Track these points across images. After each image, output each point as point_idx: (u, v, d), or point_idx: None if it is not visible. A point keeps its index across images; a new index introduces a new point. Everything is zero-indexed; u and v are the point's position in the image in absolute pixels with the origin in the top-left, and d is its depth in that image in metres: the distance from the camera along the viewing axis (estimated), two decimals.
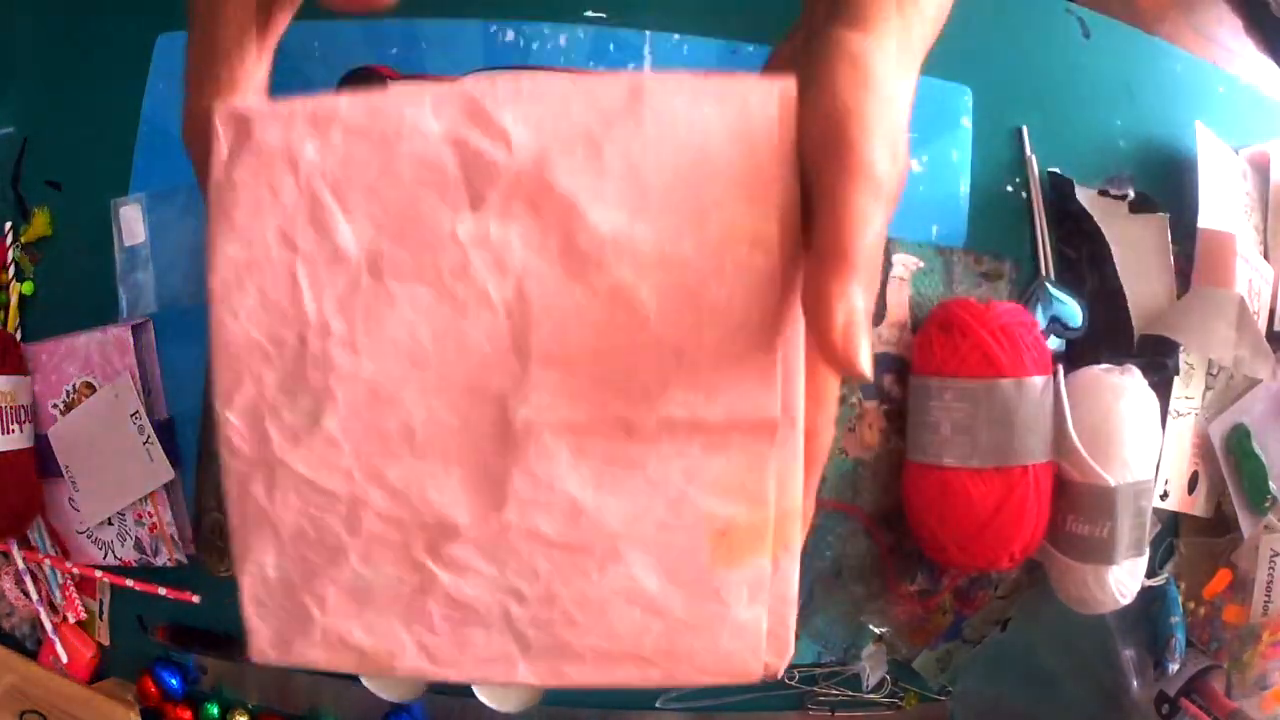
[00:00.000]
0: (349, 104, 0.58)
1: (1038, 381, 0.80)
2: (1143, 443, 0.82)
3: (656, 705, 0.89)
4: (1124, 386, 0.82)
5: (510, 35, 0.84)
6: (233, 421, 0.58)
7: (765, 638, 0.60)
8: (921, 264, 0.88)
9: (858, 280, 0.51)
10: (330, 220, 0.58)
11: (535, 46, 0.85)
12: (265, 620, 0.61)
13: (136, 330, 0.88)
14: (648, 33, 0.84)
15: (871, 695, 0.92)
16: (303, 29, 0.84)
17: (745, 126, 0.57)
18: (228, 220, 0.59)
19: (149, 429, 0.86)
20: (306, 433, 0.58)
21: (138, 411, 0.86)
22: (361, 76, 0.86)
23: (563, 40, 0.84)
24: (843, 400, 0.86)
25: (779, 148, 0.58)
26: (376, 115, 0.58)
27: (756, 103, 0.57)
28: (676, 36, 0.85)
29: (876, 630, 0.90)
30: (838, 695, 0.91)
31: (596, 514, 0.58)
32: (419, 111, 0.58)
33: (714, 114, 0.58)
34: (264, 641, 0.61)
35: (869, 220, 0.52)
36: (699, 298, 0.56)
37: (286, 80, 0.86)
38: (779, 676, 0.62)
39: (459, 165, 0.58)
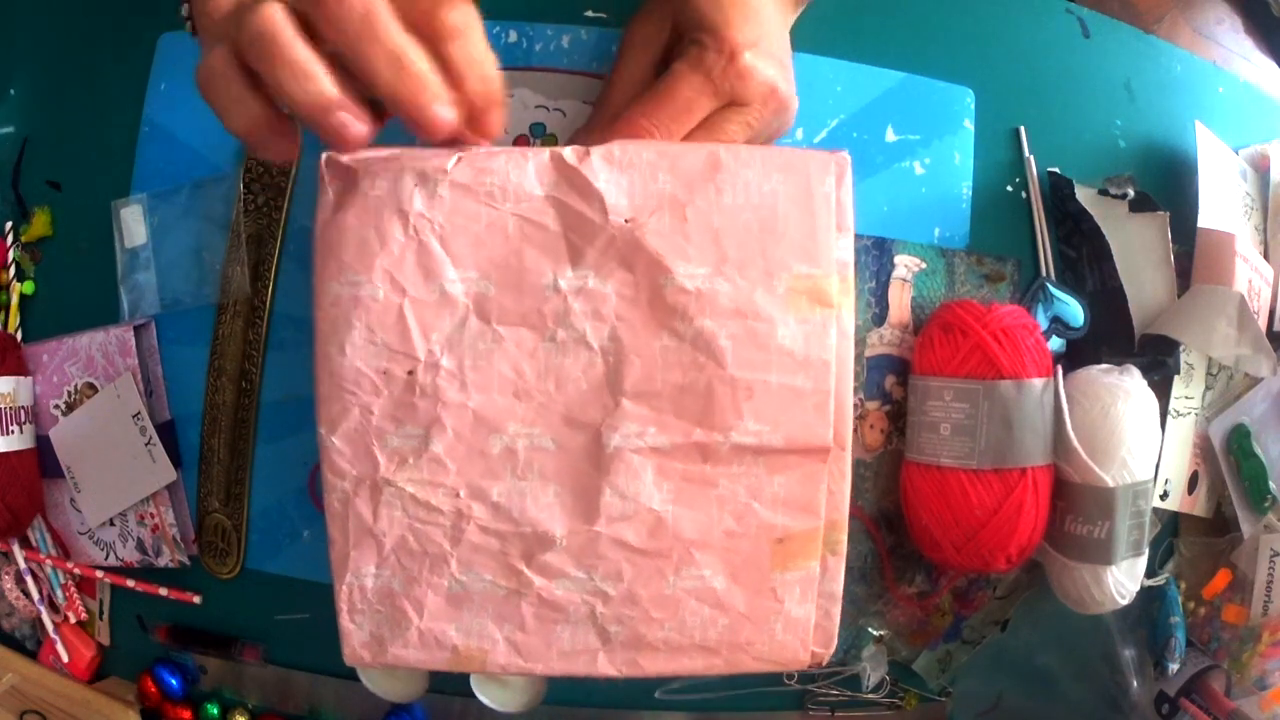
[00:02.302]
0: (455, 164, 0.64)
1: (1038, 383, 0.80)
2: (1141, 444, 0.82)
3: (656, 696, 0.89)
4: (1122, 387, 0.82)
5: (513, 36, 0.84)
6: (337, 445, 0.66)
7: (813, 630, 0.70)
8: (924, 265, 0.88)
9: None
10: (438, 266, 0.65)
11: (538, 48, 0.84)
12: (360, 625, 0.69)
13: (139, 331, 0.88)
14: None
15: (871, 695, 0.92)
16: None
17: (807, 194, 0.66)
18: (336, 261, 0.65)
19: (151, 430, 0.86)
20: (415, 455, 0.66)
21: (140, 412, 0.86)
22: None
23: (565, 41, 0.84)
24: None
25: (837, 211, 0.67)
26: (482, 174, 0.64)
27: (817, 172, 0.66)
28: None
29: (876, 632, 0.90)
30: (837, 695, 0.91)
31: (674, 525, 0.67)
32: (523, 174, 0.64)
33: (780, 183, 0.66)
34: (357, 644, 0.69)
35: None
36: (768, 344, 0.65)
37: None
38: (824, 664, 0.71)
39: (559, 224, 0.65)
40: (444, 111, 0.59)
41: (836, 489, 0.68)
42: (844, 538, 0.69)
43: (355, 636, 0.69)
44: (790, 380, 0.65)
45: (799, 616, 0.69)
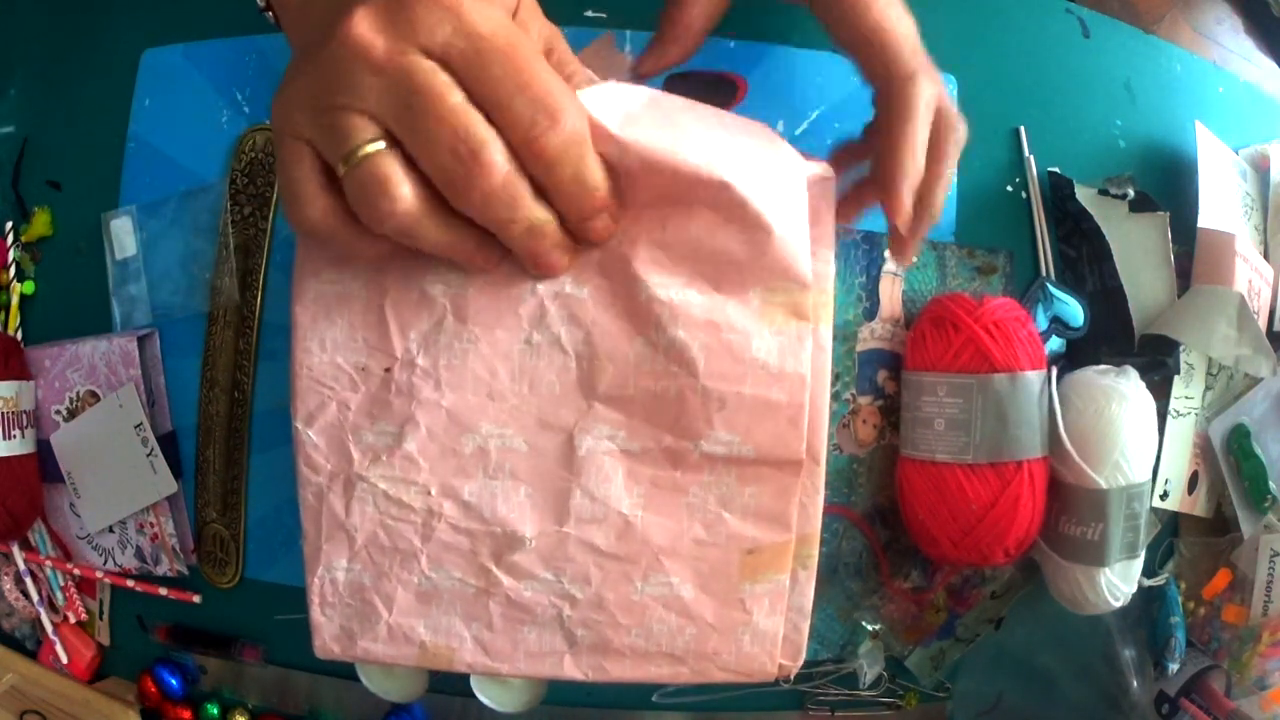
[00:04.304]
0: None
1: (1032, 376, 0.80)
2: (1136, 446, 0.82)
3: (653, 700, 0.90)
4: (1118, 389, 0.82)
5: None
6: (313, 439, 0.66)
7: (781, 643, 0.69)
8: (914, 258, 0.88)
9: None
10: (419, 267, 0.64)
11: None
12: (330, 618, 0.68)
13: (142, 341, 0.88)
14: (628, 32, 0.84)
15: (871, 693, 0.92)
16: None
17: (789, 206, 0.64)
18: (316, 261, 0.65)
19: (153, 441, 0.86)
20: (388, 452, 0.65)
21: (141, 423, 0.86)
22: None
23: None
24: (836, 396, 0.86)
25: (814, 228, 0.65)
26: None
27: (800, 185, 0.65)
28: None
29: (870, 626, 0.90)
30: (836, 695, 0.92)
31: (643, 530, 0.66)
32: None
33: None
34: (328, 637, 0.69)
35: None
36: (742, 355, 0.64)
37: (273, 88, 0.86)
38: (792, 678, 0.70)
39: None
40: (562, 259, 0.61)
41: (809, 503, 0.67)
42: (815, 552, 0.68)
43: (326, 629, 0.68)
44: (764, 392, 0.64)
45: (767, 629, 0.68)
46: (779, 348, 0.64)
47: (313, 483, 0.67)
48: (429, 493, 0.66)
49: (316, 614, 0.68)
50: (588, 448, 0.65)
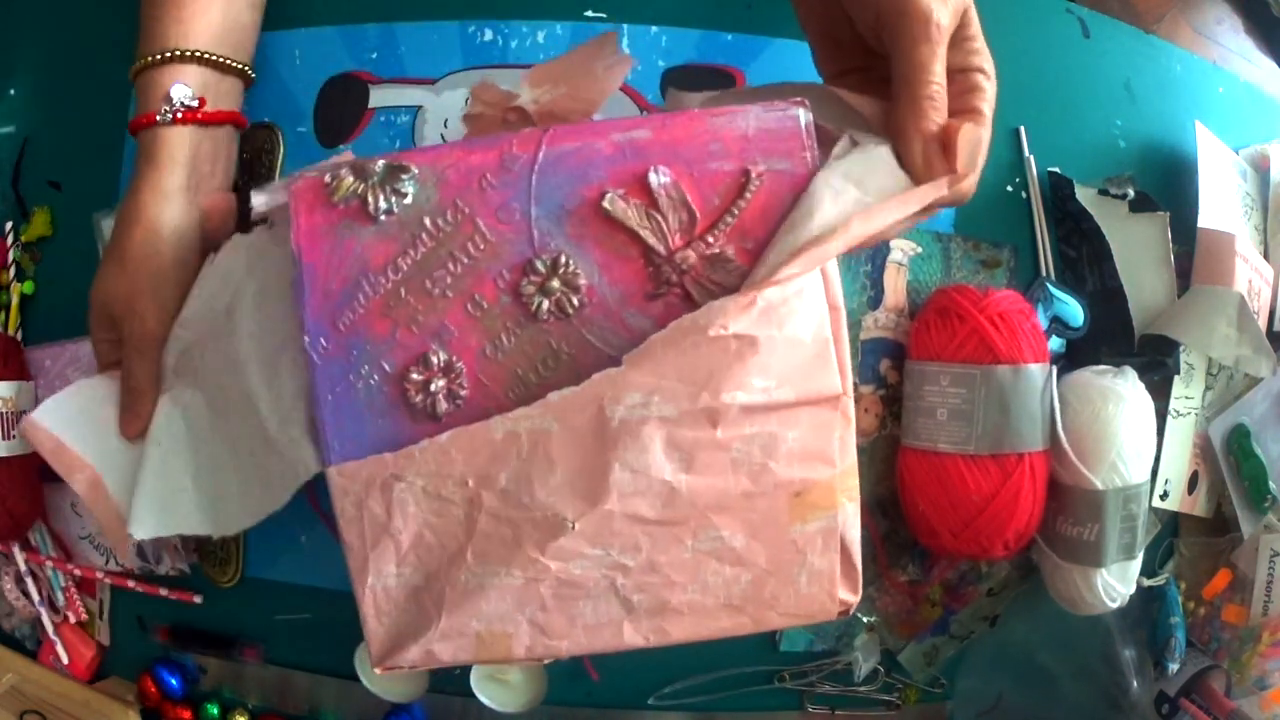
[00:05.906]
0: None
1: (1035, 368, 0.81)
2: (1134, 447, 0.82)
3: (650, 701, 0.90)
4: (1115, 390, 0.82)
5: (488, 34, 0.85)
6: None
7: (839, 580, 0.68)
8: (919, 249, 0.88)
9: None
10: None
11: (514, 45, 0.85)
12: (385, 626, 0.67)
13: None
14: (625, 25, 0.84)
15: (868, 690, 0.92)
16: (282, 37, 0.85)
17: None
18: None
19: None
20: (420, 449, 0.64)
21: None
22: (341, 84, 0.86)
23: (541, 37, 0.85)
24: None
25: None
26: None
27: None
28: (654, 28, 0.85)
29: (866, 619, 0.90)
30: (834, 691, 0.92)
31: (689, 494, 0.64)
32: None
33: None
34: (386, 646, 0.67)
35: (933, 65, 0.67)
36: (768, 298, 0.62)
37: (268, 87, 0.87)
38: (852, 613, 0.69)
39: None
40: None
41: (846, 435, 0.66)
42: (857, 482, 0.67)
43: (383, 638, 0.67)
44: (791, 331, 0.63)
45: (822, 567, 0.67)
46: (801, 285, 0.63)
47: (350, 492, 0.65)
48: (467, 484, 0.64)
49: (372, 624, 0.66)
50: (620, 418, 0.63)
